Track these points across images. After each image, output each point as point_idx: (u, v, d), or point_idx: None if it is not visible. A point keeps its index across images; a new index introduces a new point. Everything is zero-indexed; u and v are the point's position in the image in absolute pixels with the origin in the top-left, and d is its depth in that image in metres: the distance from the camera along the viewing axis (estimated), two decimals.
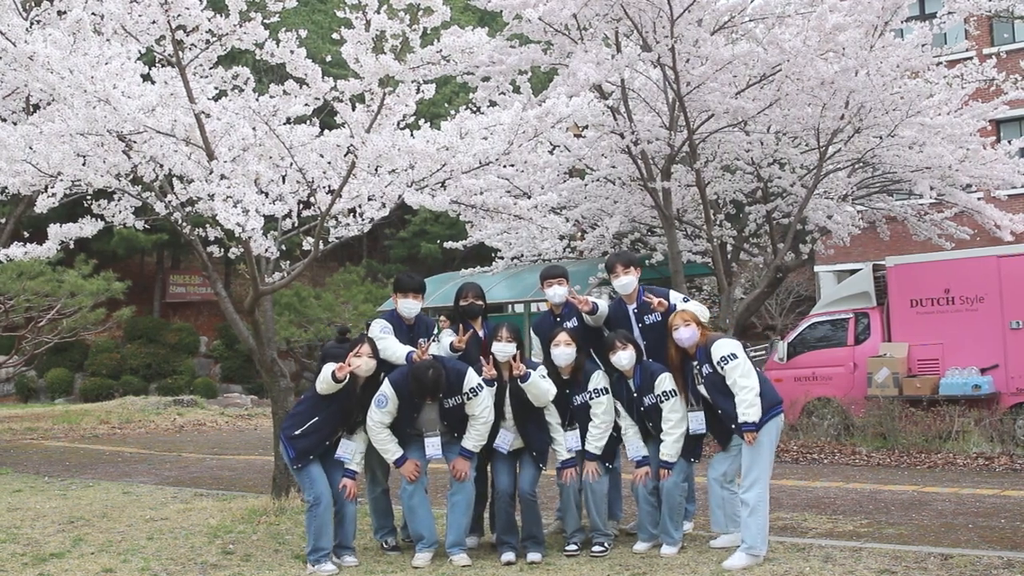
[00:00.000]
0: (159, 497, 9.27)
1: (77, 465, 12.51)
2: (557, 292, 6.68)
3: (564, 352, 6.29)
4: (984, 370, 11.31)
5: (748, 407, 5.84)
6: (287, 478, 8.27)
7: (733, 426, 6.00)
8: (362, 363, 6.14)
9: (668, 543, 6.21)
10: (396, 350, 6.28)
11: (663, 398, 6.19)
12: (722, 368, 5.94)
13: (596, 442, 6.27)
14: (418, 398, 6.07)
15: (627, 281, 6.57)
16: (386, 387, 6.16)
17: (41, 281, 16.65)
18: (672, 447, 6.16)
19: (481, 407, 6.13)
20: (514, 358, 6.21)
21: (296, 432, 6.18)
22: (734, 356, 5.93)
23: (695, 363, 6.15)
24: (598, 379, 6.32)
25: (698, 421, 6.22)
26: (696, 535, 6.66)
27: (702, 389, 6.13)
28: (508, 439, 6.32)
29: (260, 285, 7.84)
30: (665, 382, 6.20)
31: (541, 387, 6.18)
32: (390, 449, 6.20)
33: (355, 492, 6.28)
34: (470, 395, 6.13)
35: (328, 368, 6.10)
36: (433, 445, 6.19)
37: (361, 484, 6.64)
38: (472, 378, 6.15)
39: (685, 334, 6.13)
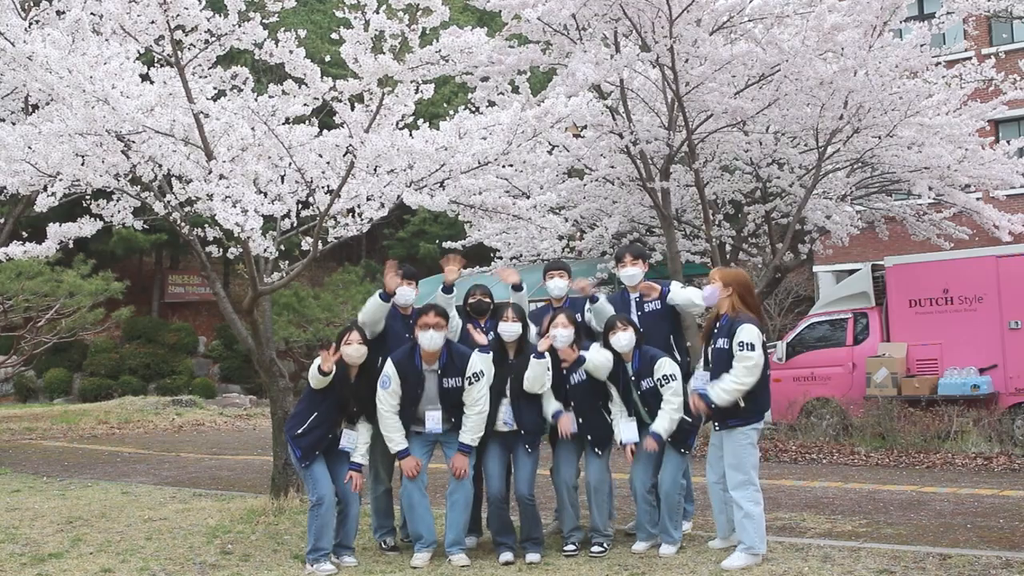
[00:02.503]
0: (158, 497, 9.27)
1: (76, 465, 12.51)
2: (558, 285, 6.74)
3: (563, 333, 6.29)
4: (983, 370, 11.32)
5: (724, 391, 5.85)
6: (285, 478, 8.27)
7: (713, 406, 5.93)
8: (351, 350, 6.16)
9: (667, 543, 6.22)
10: (390, 437, 6.25)
11: (663, 382, 6.18)
12: (738, 350, 5.86)
13: (601, 358, 6.25)
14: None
15: (633, 272, 6.69)
16: (388, 367, 6.21)
17: (40, 281, 16.62)
18: (667, 422, 6.11)
19: (479, 394, 6.14)
20: (519, 340, 6.29)
21: (299, 431, 6.18)
22: (752, 347, 5.81)
23: (716, 329, 6.08)
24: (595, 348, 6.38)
25: (703, 380, 6.12)
26: (695, 535, 6.67)
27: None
28: (510, 414, 6.32)
29: (259, 285, 7.84)
30: (665, 366, 6.20)
31: (536, 371, 6.21)
32: (395, 439, 6.18)
33: (361, 484, 6.28)
34: (472, 379, 6.14)
35: (315, 362, 6.12)
36: (433, 419, 6.19)
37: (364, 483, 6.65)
38: (476, 363, 6.17)
39: (706, 292, 6.14)
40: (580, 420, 6.34)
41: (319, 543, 6.06)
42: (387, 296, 6.47)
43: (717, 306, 6.12)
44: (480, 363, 6.18)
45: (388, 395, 6.17)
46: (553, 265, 6.88)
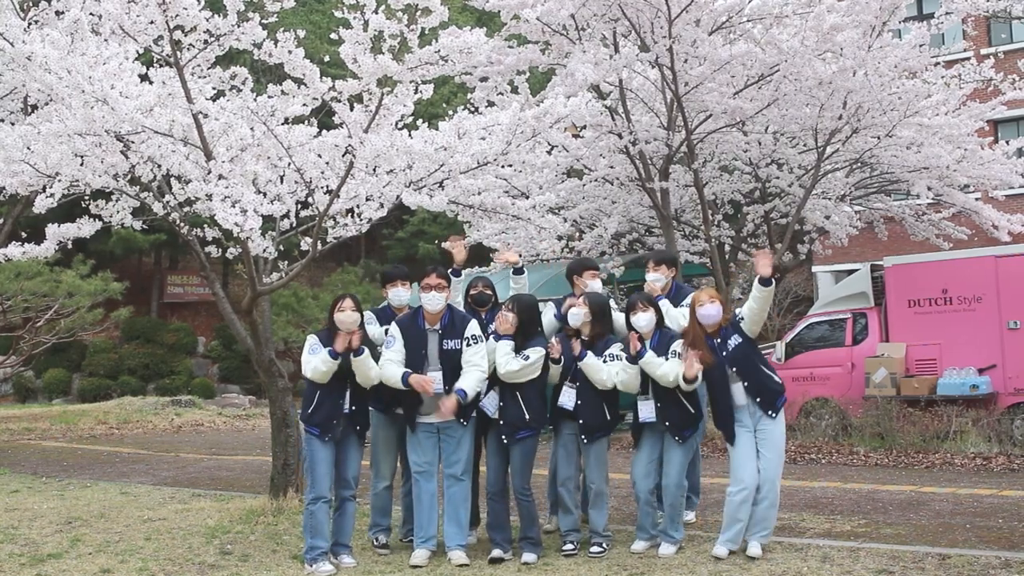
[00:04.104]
0: (157, 497, 9.27)
1: (75, 465, 12.50)
2: (595, 288, 6.88)
3: (574, 312, 6.38)
4: (982, 370, 11.31)
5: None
6: (285, 478, 8.27)
7: (758, 399, 6.02)
8: (345, 316, 6.18)
9: (668, 542, 6.23)
10: (392, 373, 6.24)
11: (671, 356, 6.22)
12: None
13: (597, 374, 6.29)
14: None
15: (654, 276, 6.93)
16: (392, 328, 6.32)
17: (39, 281, 16.61)
18: (658, 366, 6.16)
19: (478, 355, 6.16)
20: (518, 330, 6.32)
21: (310, 409, 6.22)
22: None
23: (717, 340, 6.12)
24: (616, 348, 6.38)
25: (740, 393, 6.13)
26: (694, 535, 6.66)
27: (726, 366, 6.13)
28: (495, 402, 6.33)
29: (258, 285, 7.83)
30: (679, 346, 6.24)
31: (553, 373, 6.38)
32: (397, 373, 6.15)
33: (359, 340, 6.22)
34: (470, 342, 6.18)
35: (317, 357, 6.11)
36: (434, 380, 6.19)
37: (363, 483, 6.65)
38: (475, 327, 6.27)
39: (711, 311, 6.12)
40: (579, 402, 6.35)
41: (315, 541, 6.09)
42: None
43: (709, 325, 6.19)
44: (477, 328, 6.27)
45: (392, 353, 6.22)
46: (587, 265, 7.07)
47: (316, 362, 6.13)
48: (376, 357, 6.31)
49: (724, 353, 6.10)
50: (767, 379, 6.11)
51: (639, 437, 6.48)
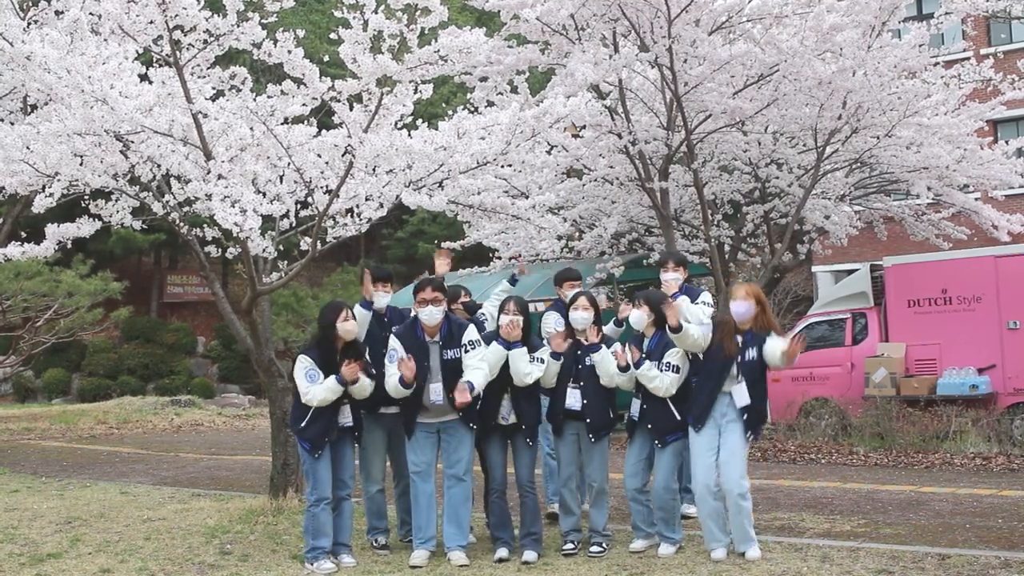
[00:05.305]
0: (156, 497, 9.27)
1: (74, 465, 12.50)
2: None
3: (582, 316, 6.36)
4: (981, 370, 11.32)
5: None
6: (284, 478, 8.27)
7: (745, 416, 6.01)
8: (351, 326, 6.26)
9: (667, 543, 6.23)
10: (393, 384, 6.22)
11: (665, 368, 6.21)
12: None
13: (608, 367, 6.30)
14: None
15: (674, 276, 6.93)
16: (392, 340, 6.29)
17: (38, 281, 16.62)
18: (650, 374, 6.17)
19: (477, 358, 6.17)
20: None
21: (302, 424, 6.21)
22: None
23: (740, 338, 6.08)
24: (617, 348, 6.38)
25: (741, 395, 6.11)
26: (693, 535, 6.66)
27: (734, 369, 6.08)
28: (510, 408, 6.35)
29: (257, 285, 7.83)
30: (674, 356, 6.22)
31: (551, 370, 6.35)
32: (393, 382, 6.15)
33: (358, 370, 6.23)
34: (467, 347, 6.19)
35: (323, 386, 6.11)
36: (436, 391, 6.20)
37: (357, 484, 6.66)
38: (472, 332, 6.27)
39: (738, 308, 6.08)
40: (585, 401, 6.35)
41: (317, 542, 6.09)
42: (368, 304, 6.59)
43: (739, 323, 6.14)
44: (475, 334, 6.28)
45: (394, 367, 6.17)
46: (568, 276, 7.21)
47: (323, 393, 6.11)
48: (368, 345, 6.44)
49: (739, 358, 6.04)
50: (760, 404, 6.12)
51: (632, 434, 6.49)
